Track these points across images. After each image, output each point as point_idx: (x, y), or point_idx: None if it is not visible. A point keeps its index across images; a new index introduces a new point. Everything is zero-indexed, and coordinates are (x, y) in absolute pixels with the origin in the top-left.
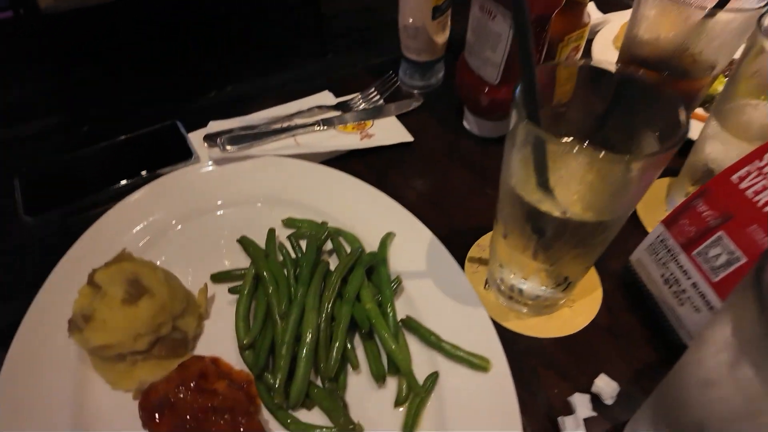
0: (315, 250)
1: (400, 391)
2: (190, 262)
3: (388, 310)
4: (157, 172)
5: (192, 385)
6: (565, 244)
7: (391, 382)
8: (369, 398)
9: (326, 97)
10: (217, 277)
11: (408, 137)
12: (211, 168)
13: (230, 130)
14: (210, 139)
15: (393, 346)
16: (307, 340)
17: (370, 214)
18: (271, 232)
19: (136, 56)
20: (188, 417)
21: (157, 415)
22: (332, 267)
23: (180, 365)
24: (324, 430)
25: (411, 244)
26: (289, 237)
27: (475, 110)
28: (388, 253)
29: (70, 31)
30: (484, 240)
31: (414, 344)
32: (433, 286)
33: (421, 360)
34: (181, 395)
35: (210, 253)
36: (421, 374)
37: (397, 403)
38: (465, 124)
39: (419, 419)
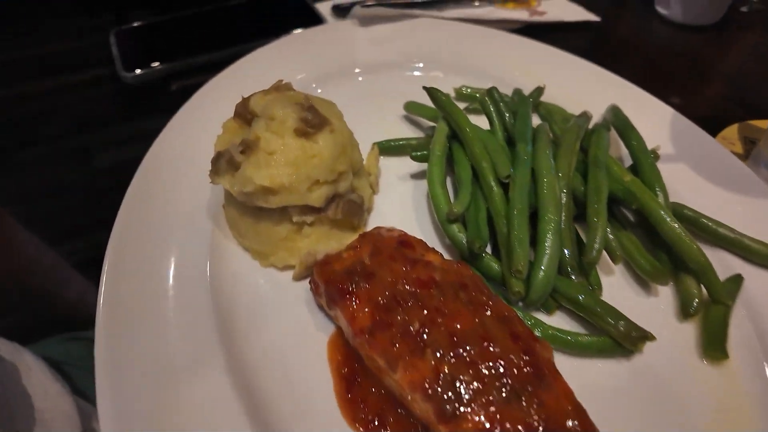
0: (529, 108)
1: (687, 297)
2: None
3: (656, 186)
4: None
5: (395, 254)
6: None
7: (659, 289)
8: (632, 306)
9: None
10: (383, 147)
11: (592, 16)
12: (358, 27)
13: (361, 2)
14: (339, 11)
15: (676, 232)
16: (549, 212)
17: (579, 86)
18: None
19: None
20: (402, 290)
21: (352, 286)
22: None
23: (365, 234)
24: (586, 337)
25: (646, 122)
26: (484, 95)
27: None
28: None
29: None
30: (730, 133)
31: None
32: (693, 171)
33: None
34: (385, 265)
35: (365, 119)
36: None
37: (686, 314)
38: (659, 8)
39: (726, 337)
